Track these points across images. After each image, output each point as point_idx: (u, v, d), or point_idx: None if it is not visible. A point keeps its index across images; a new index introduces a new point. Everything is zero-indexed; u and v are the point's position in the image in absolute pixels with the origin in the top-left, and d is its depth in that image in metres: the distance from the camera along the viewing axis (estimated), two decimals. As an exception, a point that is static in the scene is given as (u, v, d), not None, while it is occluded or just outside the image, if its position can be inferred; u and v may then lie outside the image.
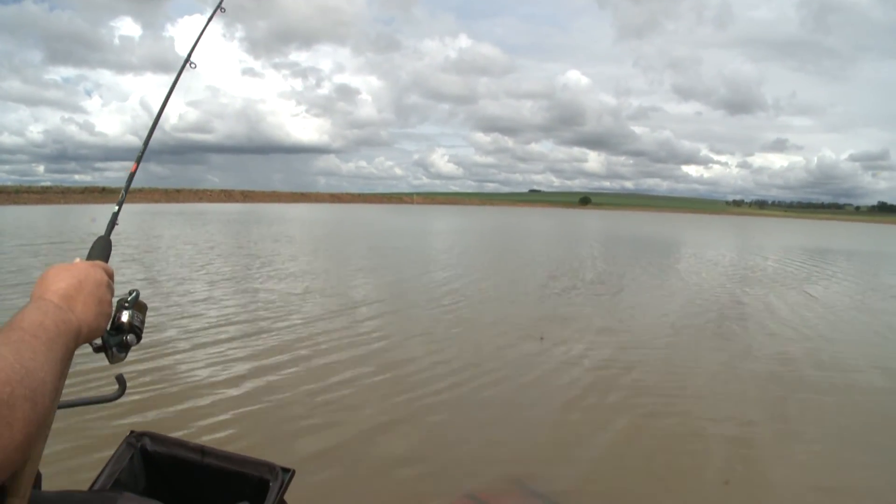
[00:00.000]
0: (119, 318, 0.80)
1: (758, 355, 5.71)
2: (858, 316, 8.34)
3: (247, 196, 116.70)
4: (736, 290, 10.28)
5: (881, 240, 39.75)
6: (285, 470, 1.14)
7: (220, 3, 1.45)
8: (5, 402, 0.47)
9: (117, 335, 0.80)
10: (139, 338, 0.83)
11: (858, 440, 3.72)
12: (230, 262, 12.34)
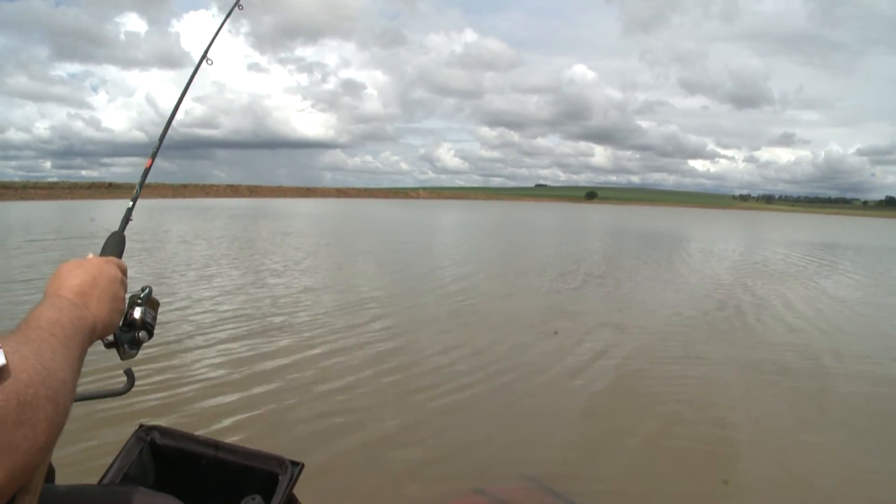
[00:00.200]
0: (131, 314, 0.80)
1: (775, 349, 5.65)
2: (873, 310, 8.31)
3: (253, 191, 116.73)
4: (746, 284, 10.19)
5: (889, 235, 39.38)
6: (294, 463, 1.14)
7: (238, 0, 1.46)
8: (29, 403, 0.46)
9: (129, 332, 0.80)
10: (151, 334, 0.83)
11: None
12: (240, 258, 12.34)
